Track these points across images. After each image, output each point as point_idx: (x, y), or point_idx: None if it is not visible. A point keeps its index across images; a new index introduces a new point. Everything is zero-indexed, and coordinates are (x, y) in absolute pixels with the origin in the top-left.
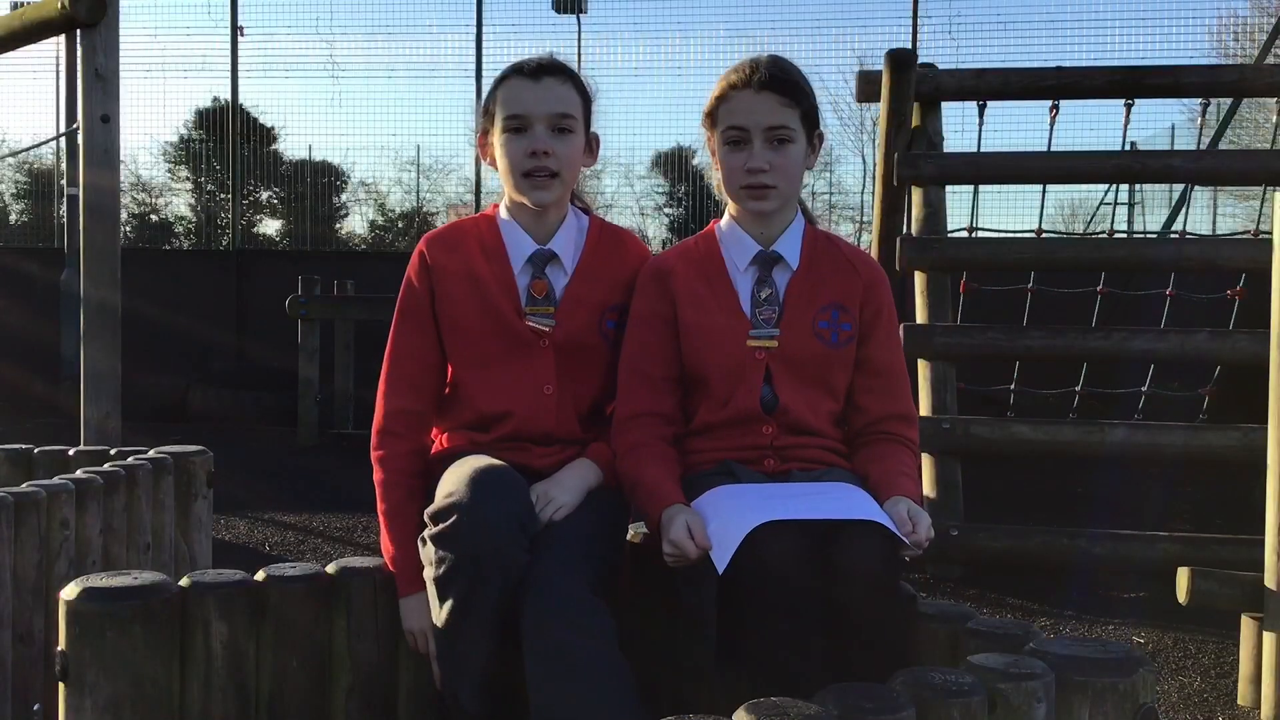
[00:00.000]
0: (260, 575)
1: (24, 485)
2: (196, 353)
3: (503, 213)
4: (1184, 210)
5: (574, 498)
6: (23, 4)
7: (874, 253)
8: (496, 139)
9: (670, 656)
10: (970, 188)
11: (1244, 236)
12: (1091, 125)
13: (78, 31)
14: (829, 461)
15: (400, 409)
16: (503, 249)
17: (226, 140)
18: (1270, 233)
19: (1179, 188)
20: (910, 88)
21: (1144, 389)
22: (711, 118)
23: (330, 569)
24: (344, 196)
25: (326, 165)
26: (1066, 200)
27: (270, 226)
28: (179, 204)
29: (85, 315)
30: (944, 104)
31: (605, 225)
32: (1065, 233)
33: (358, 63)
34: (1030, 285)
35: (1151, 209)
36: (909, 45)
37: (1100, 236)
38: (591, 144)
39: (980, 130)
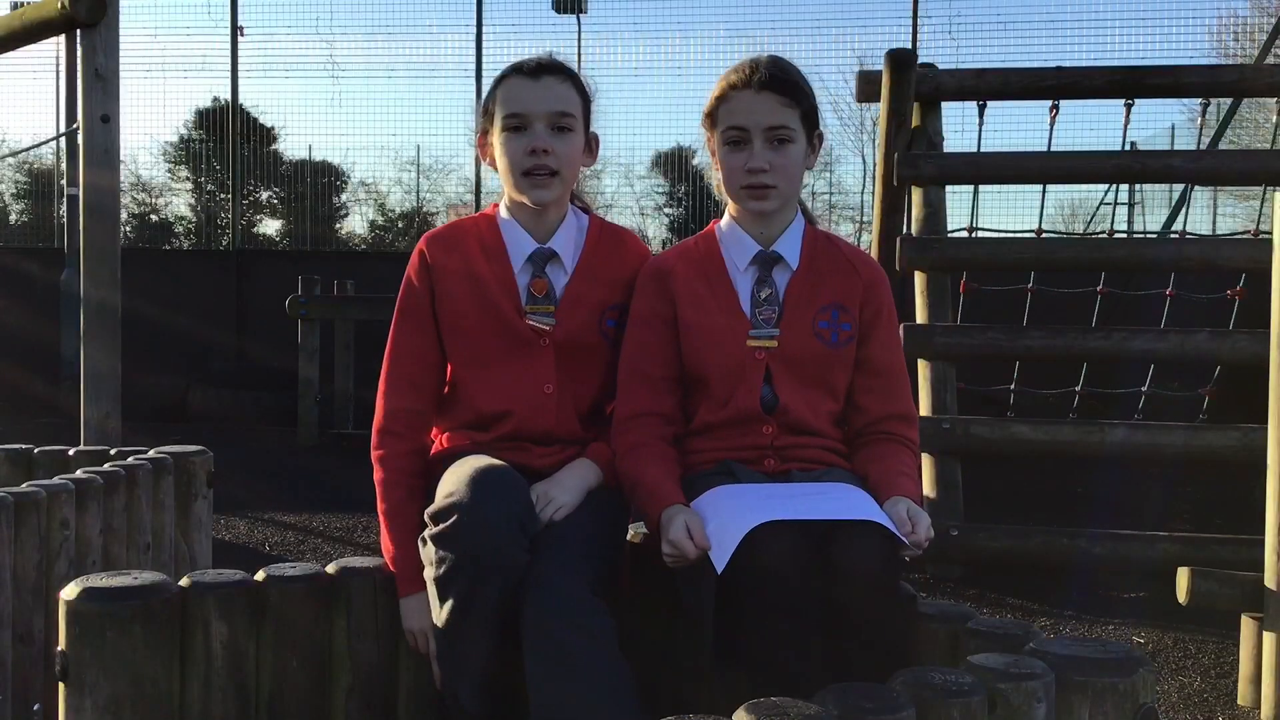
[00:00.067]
0: (260, 575)
1: (24, 485)
2: (196, 353)
3: (503, 212)
4: (1184, 210)
5: (574, 498)
6: (23, 4)
7: (874, 253)
8: (496, 138)
9: (670, 656)
10: (970, 188)
11: (1244, 236)
12: (1091, 125)
13: (78, 31)
14: (829, 462)
15: (400, 408)
16: (503, 248)
17: (226, 140)
18: (1270, 233)
19: (1179, 188)
20: (910, 88)
21: (1144, 389)
22: (711, 118)
23: (330, 569)
24: (344, 196)
25: (326, 165)
26: (1066, 200)
27: (270, 226)
28: (179, 204)
29: (85, 315)
30: (944, 104)
31: (605, 224)
32: (1065, 233)
33: (358, 63)
34: (1030, 285)
35: (1151, 209)
36: (909, 45)
37: (1100, 236)
38: (591, 144)
39: (980, 130)
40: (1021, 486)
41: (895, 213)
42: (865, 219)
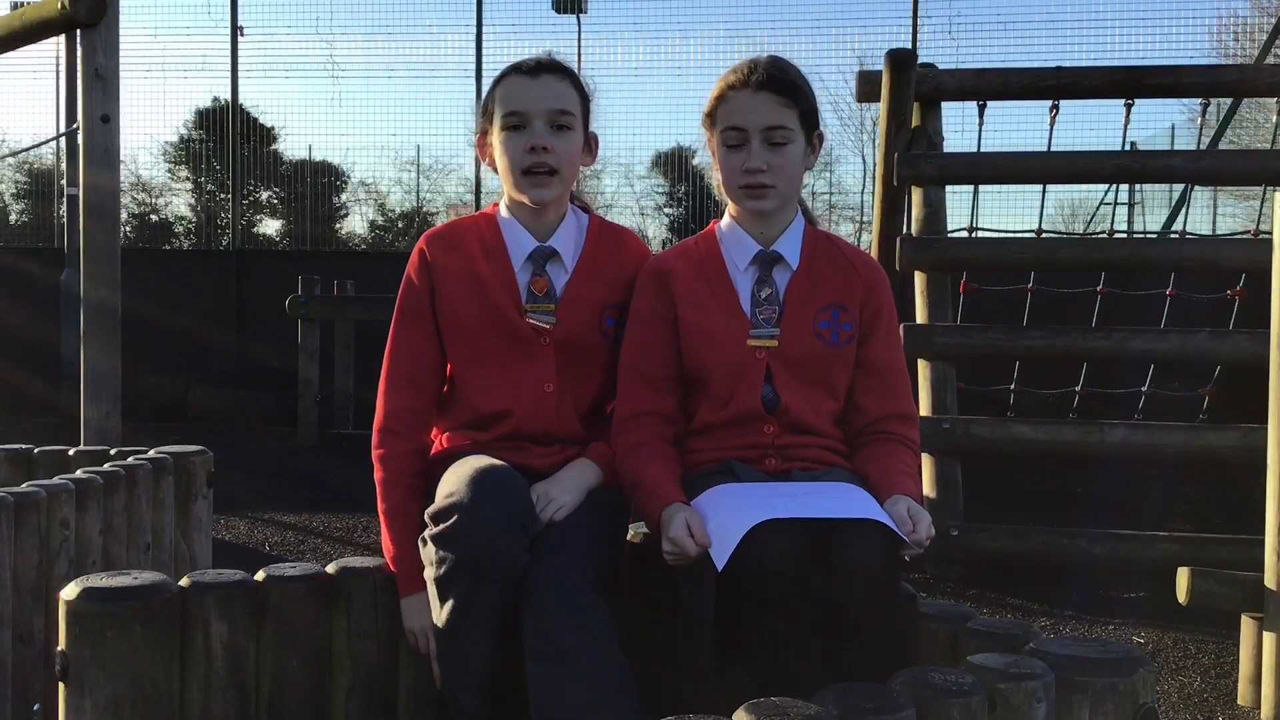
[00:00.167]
0: (260, 575)
1: (24, 485)
2: (196, 353)
3: (503, 211)
4: (1184, 210)
5: (574, 497)
6: (23, 4)
7: (874, 253)
8: (495, 137)
9: (670, 656)
10: (970, 188)
11: (1244, 236)
12: (1091, 125)
13: (78, 31)
14: (830, 461)
15: (401, 408)
16: (503, 247)
17: (226, 140)
18: (1270, 233)
19: (1179, 188)
20: (910, 88)
21: (1144, 389)
22: (711, 118)
23: (330, 569)
24: (344, 196)
25: (326, 165)
26: (1066, 200)
27: (270, 226)
28: (179, 204)
29: (85, 315)
30: (944, 104)
31: (605, 224)
32: (1065, 233)
33: (358, 63)
34: (1030, 285)
35: (1151, 209)
36: (909, 45)
37: (1100, 236)
38: (590, 143)
39: (980, 130)
40: (1021, 486)
41: (895, 213)
42: (865, 219)
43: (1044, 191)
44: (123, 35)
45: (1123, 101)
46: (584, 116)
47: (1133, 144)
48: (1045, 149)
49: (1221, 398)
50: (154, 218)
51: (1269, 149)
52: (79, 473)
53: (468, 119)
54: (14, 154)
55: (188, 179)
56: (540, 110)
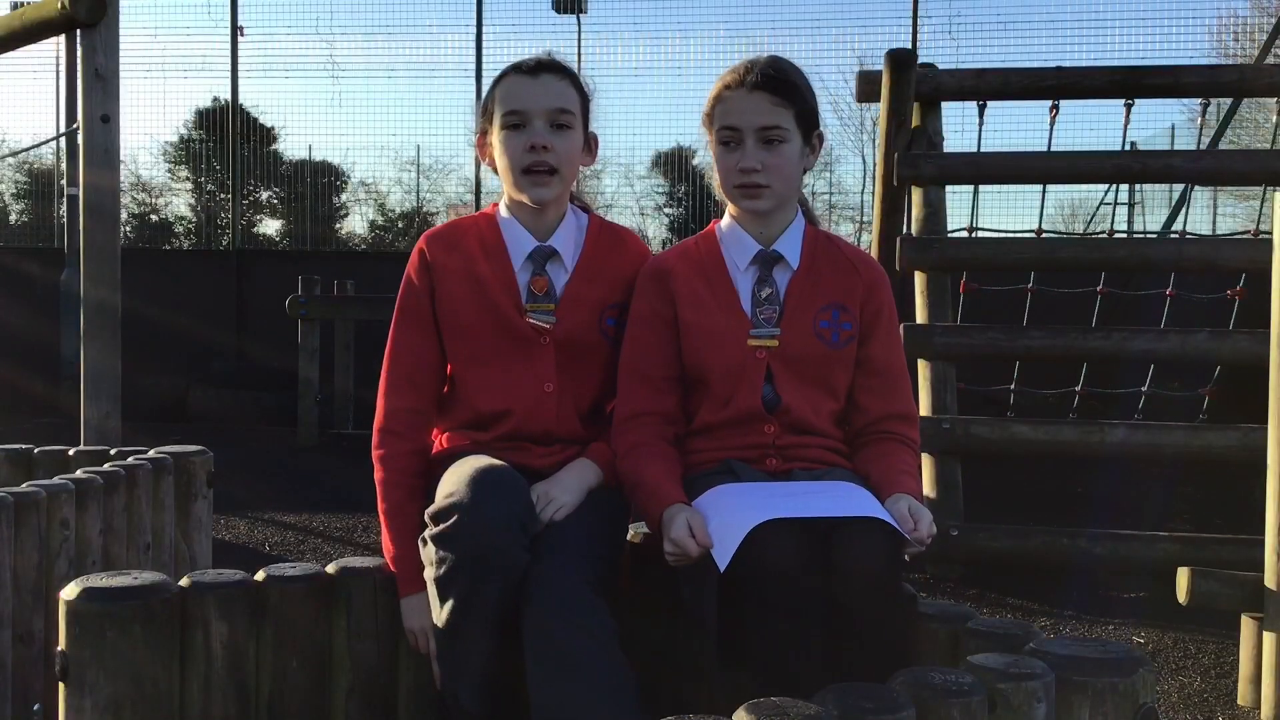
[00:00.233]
0: (260, 575)
1: (24, 485)
2: (196, 353)
3: (502, 211)
4: (1184, 210)
5: (574, 498)
6: (23, 4)
7: (874, 253)
8: (495, 137)
9: (670, 656)
10: (970, 188)
11: (1244, 236)
12: (1091, 125)
13: (78, 31)
14: (830, 461)
15: (401, 408)
16: (503, 246)
17: (226, 140)
18: (1270, 233)
19: (1179, 188)
20: (910, 88)
21: (1144, 389)
22: (709, 119)
23: (330, 569)
24: (344, 196)
25: (326, 165)
26: (1066, 200)
27: (270, 226)
28: (179, 204)
29: (85, 315)
30: (944, 104)
31: (605, 224)
32: (1065, 233)
33: (358, 63)
34: (1030, 285)
35: (1151, 209)
36: (909, 45)
37: (1100, 236)
38: (590, 143)
39: (980, 130)
40: (1021, 486)
41: (895, 213)
42: (865, 219)
43: (1044, 191)
44: (123, 35)
45: (1123, 101)
46: (584, 116)
47: (1133, 144)
48: (1045, 149)
49: (1221, 398)
50: (154, 218)
51: (1269, 149)
52: (79, 473)
53: (468, 119)
54: (14, 154)
55: (188, 179)
56: (540, 109)
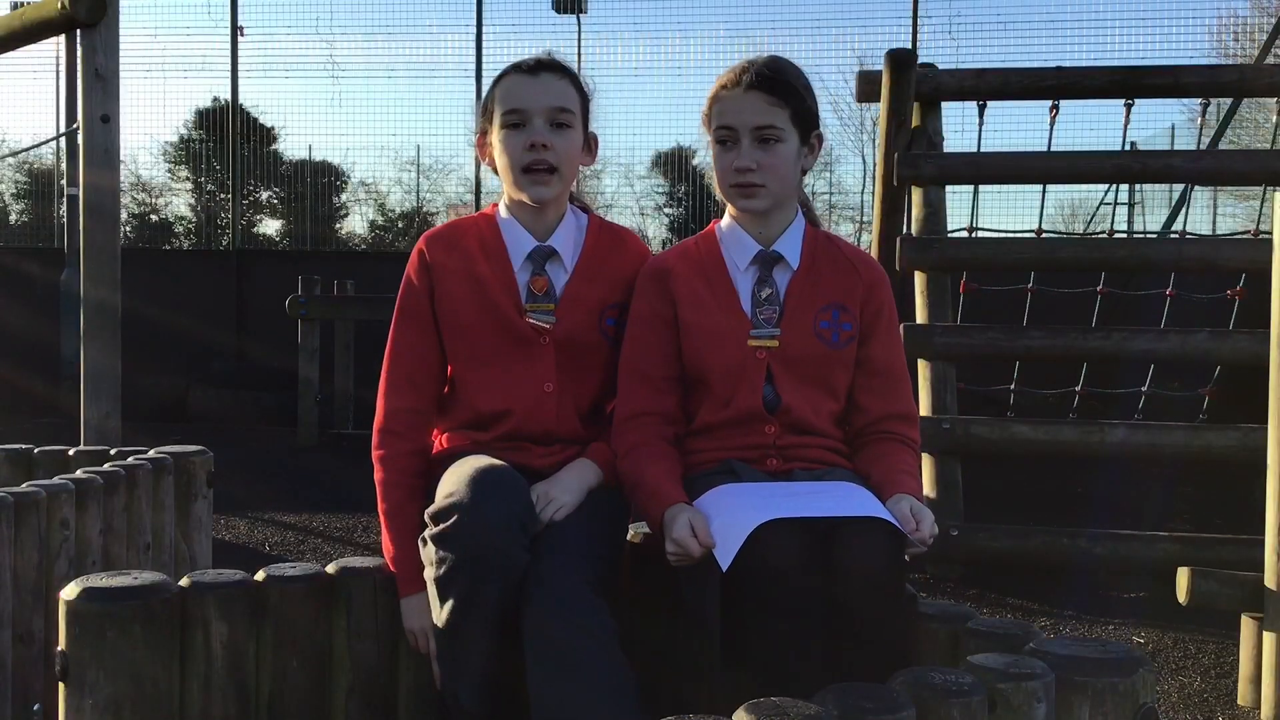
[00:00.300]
0: (260, 575)
1: (24, 485)
2: (196, 353)
3: (502, 211)
4: (1184, 210)
5: (574, 498)
6: (23, 4)
7: (874, 253)
8: (495, 136)
9: (670, 656)
10: (970, 188)
11: (1244, 236)
12: (1091, 125)
13: (78, 31)
14: (831, 461)
15: (401, 408)
16: (502, 247)
17: (226, 140)
18: (1270, 233)
19: (1179, 188)
20: (910, 88)
21: (1144, 389)
22: (707, 119)
23: (330, 569)
24: (344, 196)
25: (326, 165)
26: (1066, 200)
27: (270, 226)
28: (179, 204)
29: (85, 315)
30: (944, 104)
31: (605, 224)
32: (1065, 233)
33: (358, 63)
34: (1030, 285)
35: (1151, 209)
36: (909, 45)
37: (1100, 236)
38: (590, 143)
39: (980, 130)
40: (1021, 486)
41: (895, 213)
42: (865, 219)
43: (1044, 191)
44: (123, 35)
45: (1123, 101)
46: (584, 115)
47: (1133, 144)
48: (1045, 149)
49: (1221, 398)
50: (154, 218)
51: (1269, 149)
52: (79, 473)
53: (468, 119)
54: (14, 154)
55: (188, 179)
56: (540, 108)
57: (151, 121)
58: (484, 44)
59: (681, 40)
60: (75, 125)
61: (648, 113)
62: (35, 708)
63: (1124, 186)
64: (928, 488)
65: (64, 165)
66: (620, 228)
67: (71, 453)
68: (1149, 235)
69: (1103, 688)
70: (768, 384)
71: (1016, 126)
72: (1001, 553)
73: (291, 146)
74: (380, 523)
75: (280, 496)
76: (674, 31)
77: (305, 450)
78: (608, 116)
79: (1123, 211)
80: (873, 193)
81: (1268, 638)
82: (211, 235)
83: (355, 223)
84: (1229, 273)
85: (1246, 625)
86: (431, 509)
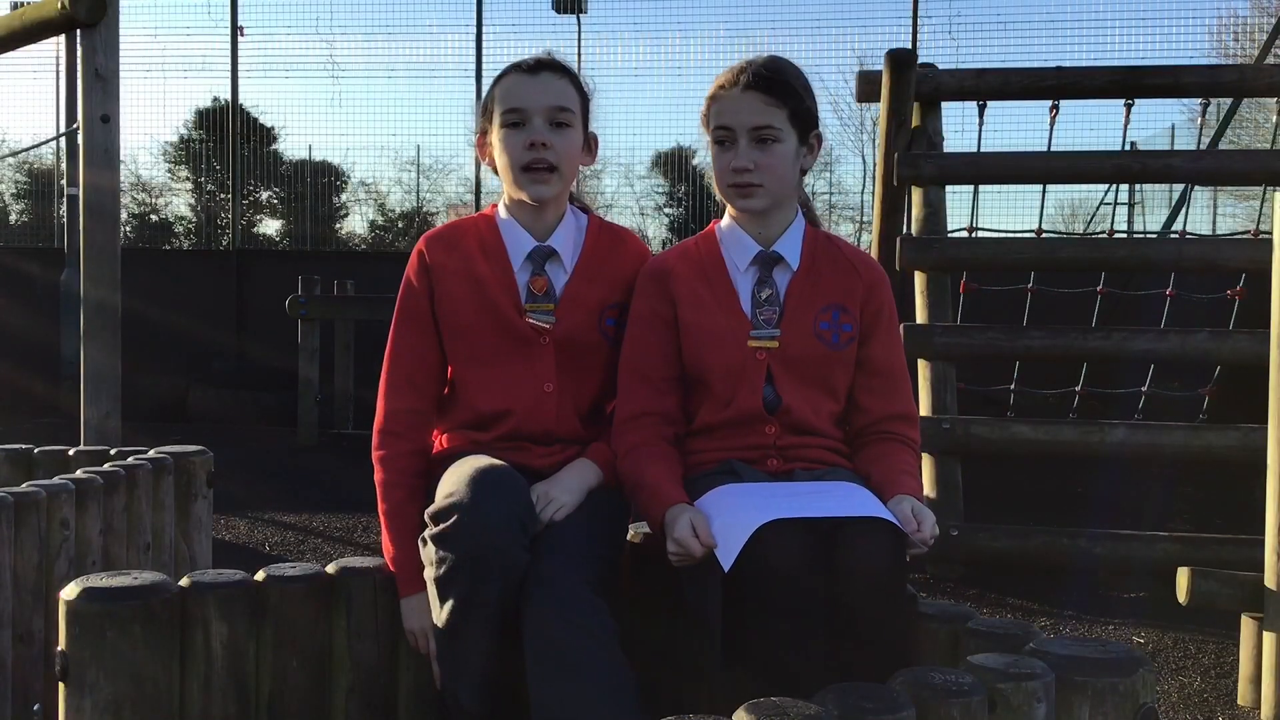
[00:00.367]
0: (260, 575)
1: (24, 485)
2: (196, 353)
3: (501, 212)
4: (1184, 210)
5: (574, 498)
6: (23, 4)
7: (874, 253)
8: (495, 135)
9: (670, 656)
10: (970, 188)
11: (1244, 236)
12: (1091, 125)
13: (78, 31)
14: (831, 461)
15: (401, 409)
16: (502, 247)
17: (226, 140)
18: (1270, 233)
19: (1179, 188)
20: (910, 88)
21: (1144, 389)
22: (706, 119)
23: (330, 569)
24: (344, 196)
25: (326, 165)
26: (1066, 200)
27: (270, 226)
28: (179, 204)
29: (85, 315)
30: (944, 104)
31: (604, 224)
32: (1065, 233)
33: (358, 63)
34: (1030, 285)
35: (1151, 209)
36: (909, 45)
37: (1100, 236)
38: (590, 143)
39: (980, 130)
40: (1021, 486)
41: (895, 213)
42: (865, 219)
43: (1044, 191)
44: (123, 35)
45: (1123, 101)
46: (583, 115)
47: (1133, 144)
48: (1045, 149)
49: (1221, 398)
50: (154, 218)
51: (1269, 149)
52: (79, 473)
53: (468, 119)
54: (14, 154)
55: (188, 179)
56: (540, 107)
57: (151, 121)
58: (484, 44)
59: (681, 40)
60: (75, 125)
61: (648, 113)
62: (35, 708)
63: (1124, 186)
64: (928, 488)
65: (64, 165)
66: (620, 228)
67: (71, 453)
68: (1149, 235)
69: (1103, 688)
70: (768, 384)
71: (1016, 126)
72: (1001, 553)
73: (291, 146)
74: (380, 523)
75: (280, 496)
76: (674, 31)
77: (305, 450)
78: (608, 116)
79: (1123, 211)
80: (873, 193)
81: (1268, 638)
82: (211, 235)
83: (355, 223)
84: (1229, 273)
85: (1246, 625)
86: (431, 509)
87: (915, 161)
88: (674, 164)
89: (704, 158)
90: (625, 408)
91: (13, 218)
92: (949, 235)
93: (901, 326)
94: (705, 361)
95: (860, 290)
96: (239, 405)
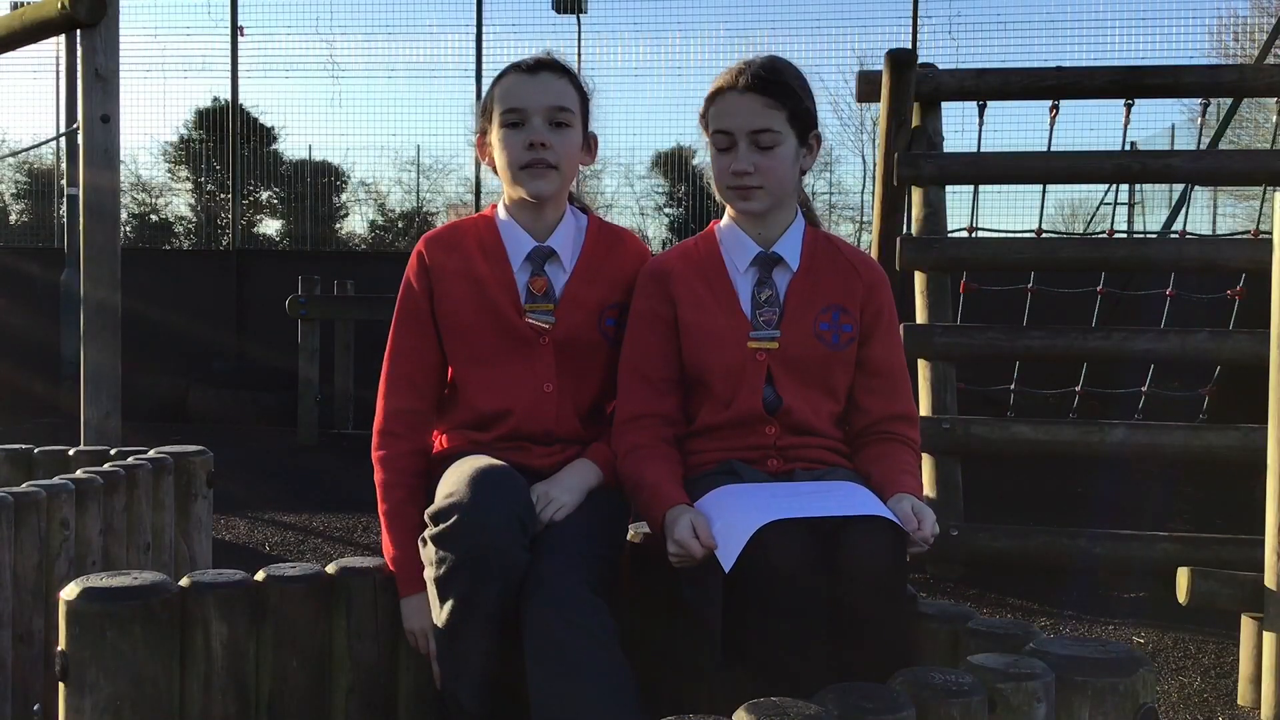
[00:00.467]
0: (260, 575)
1: (24, 485)
2: (196, 353)
3: (501, 212)
4: (1184, 210)
5: (574, 498)
6: (23, 4)
7: (874, 253)
8: (494, 135)
9: (670, 656)
10: (970, 188)
11: (1244, 236)
12: (1091, 125)
13: (78, 31)
14: (831, 462)
15: (401, 409)
16: (501, 247)
17: (226, 140)
18: (1270, 233)
19: (1179, 188)
20: (910, 88)
21: (1144, 389)
22: (705, 120)
23: (330, 569)
24: (344, 196)
25: (326, 165)
26: (1066, 200)
27: (270, 226)
28: (179, 204)
29: (85, 315)
30: (944, 104)
31: (604, 224)
32: (1065, 233)
33: (358, 63)
34: (1030, 285)
35: (1151, 209)
36: (909, 45)
37: (1100, 236)
38: (590, 143)
39: (980, 130)
40: (1021, 486)
41: (895, 213)
42: (865, 219)
43: (1044, 191)
44: (123, 35)
45: (1123, 101)
46: (583, 115)
47: (1133, 144)
48: (1045, 149)
49: (1221, 398)
50: (154, 218)
51: (1269, 149)
52: (79, 473)
53: (468, 119)
54: (14, 154)
55: (188, 179)
56: (539, 107)
57: (151, 121)
58: (484, 44)
59: (681, 40)
60: (75, 125)
61: (648, 113)
62: (35, 708)
63: (1124, 186)
64: (928, 488)
65: (64, 165)
66: (619, 228)
67: (71, 453)
68: (1149, 235)
69: (1103, 688)
70: (768, 385)
71: (1016, 126)
72: (1001, 553)
73: (291, 146)
74: (380, 523)
75: (280, 496)
76: (674, 31)
77: (305, 450)
78: (608, 116)
79: (1123, 211)
80: (873, 193)
81: (1268, 638)
82: (211, 235)
83: (355, 223)
84: (1229, 273)
85: (1246, 625)
86: (431, 509)
87: (915, 161)
88: (674, 164)
89: (704, 158)
90: (625, 408)
91: (13, 218)
92: (949, 235)
93: (901, 326)
94: (705, 362)
95: (860, 290)
96: (239, 405)
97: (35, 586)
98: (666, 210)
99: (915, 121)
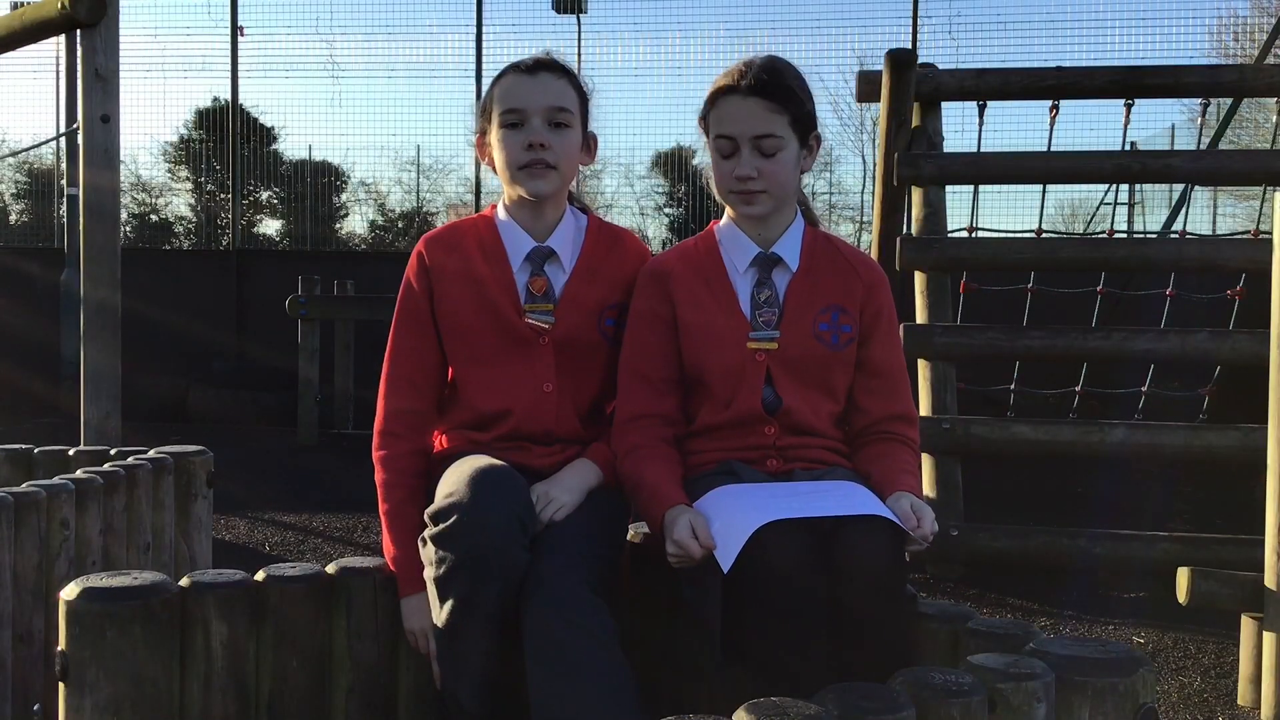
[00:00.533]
0: (260, 575)
1: (24, 485)
2: (196, 353)
3: (501, 212)
4: (1184, 210)
5: (574, 497)
6: (23, 4)
7: (874, 253)
8: (494, 136)
9: (670, 656)
10: (970, 188)
11: (1244, 236)
12: (1091, 125)
13: (78, 31)
14: (831, 461)
15: (401, 409)
16: (501, 248)
17: (226, 140)
18: (1270, 233)
19: (1179, 188)
20: (910, 88)
21: (1144, 389)
22: (705, 121)
23: (330, 569)
24: (344, 196)
25: (326, 165)
26: (1066, 200)
27: (270, 226)
28: (179, 204)
29: (85, 315)
30: (944, 104)
31: (604, 224)
32: (1065, 233)
33: (358, 63)
34: (1030, 285)
35: (1151, 209)
36: (909, 45)
37: (1100, 236)
38: (589, 143)
39: (980, 130)
40: (1021, 486)
41: (895, 213)
42: (865, 219)
43: (1044, 191)
44: (123, 35)
45: (1123, 101)
46: (582, 115)
47: (1133, 144)
48: (1045, 149)
49: (1221, 398)
50: (154, 218)
51: (1269, 149)
52: (79, 473)
53: (468, 119)
54: (14, 154)
55: (188, 179)
56: (538, 107)
57: (151, 121)
58: (484, 44)
59: (681, 40)
60: (75, 125)
61: (648, 113)
62: (35, 708)
63: (1124, 186)
64: (928, 488)
65: (64, 165)
66: (619, 228)
67: (71, 453)
68: (1149, 235)
69: (1103, 688)
70: (767, 385)
71: (1016, 126)
72: (1001, 553)
73: (291, 146)
74: (380, 523)
75: (280, 496)
76: (674, 31)
77: (305, 450)
78: (608, 116)
79: (1123, 211)
80: (873, 193)
81: (1268, 638)
82: (211, 235)
83: (355, 223)
84: (1229, 273)
85: (1246, 625)
86: (431, 509)
87: (915, 161)
88: (674, 164)
89: (704, 158)
90: (625, 408)
91: (13, 218)
92: (949, 235)
93: (901, 326)
94: (705, 363)
95: (860, 291)
96: (239, 405)
97: (35, 586)
98: (666, 210)
99: (915, 121)
